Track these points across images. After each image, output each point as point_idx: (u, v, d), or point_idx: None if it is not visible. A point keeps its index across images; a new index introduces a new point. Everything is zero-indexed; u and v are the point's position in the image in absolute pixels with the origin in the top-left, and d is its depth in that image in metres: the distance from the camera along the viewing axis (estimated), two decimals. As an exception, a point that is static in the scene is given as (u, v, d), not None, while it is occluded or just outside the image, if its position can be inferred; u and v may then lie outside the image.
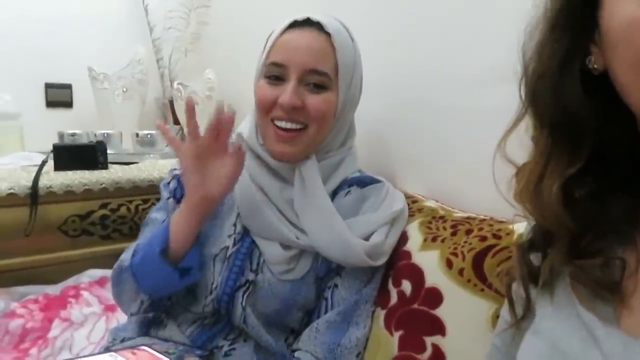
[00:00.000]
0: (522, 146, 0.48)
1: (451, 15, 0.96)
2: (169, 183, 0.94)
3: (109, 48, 1.89)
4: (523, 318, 0.49)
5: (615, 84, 0.38)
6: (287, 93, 0.81)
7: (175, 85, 1.79)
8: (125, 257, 0.86)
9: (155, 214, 0.93)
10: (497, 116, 0.86)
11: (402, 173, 1.05)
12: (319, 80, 0.82)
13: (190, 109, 0.78)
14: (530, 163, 0.45)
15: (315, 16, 0.82)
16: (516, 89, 0.50)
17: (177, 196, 0.91)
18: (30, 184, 1.13)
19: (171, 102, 1.95)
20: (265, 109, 0.84)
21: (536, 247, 0.47)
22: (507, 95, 0.85)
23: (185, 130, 0.81)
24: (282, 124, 0.83)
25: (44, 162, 1.19)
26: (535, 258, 0.48)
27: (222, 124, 0.78)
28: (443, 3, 0.98)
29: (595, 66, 0.40)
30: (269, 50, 0.84)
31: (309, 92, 0.82)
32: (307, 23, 0.82)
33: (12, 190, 1.12)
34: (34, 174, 1.17)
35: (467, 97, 0.94)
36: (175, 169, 0.94)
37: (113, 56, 1.82)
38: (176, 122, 1.91)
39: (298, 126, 0.83)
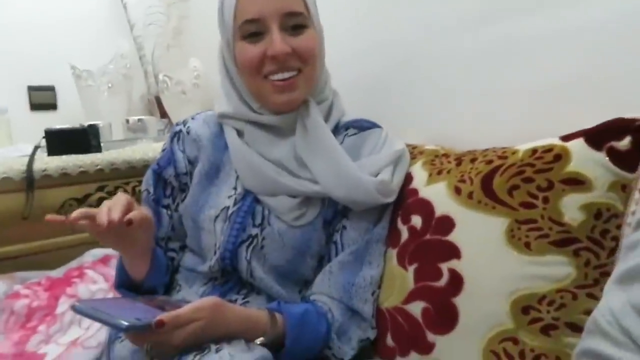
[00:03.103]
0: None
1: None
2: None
3: (91, 47, 1.87)
4: None
5: None
6: (275, 43, 0.78)
7: (161, 77, 1.79)
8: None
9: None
10: (490, 55, 0.91)
11: (400, 125, 1.06)
12: (297, 21, 0.80)
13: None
14: None
15: None
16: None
17: (154, 190, 0.92)
18: (24, 167, 1.12)
19: (157, 98, 1.95)
20: (255, 68, 0.81)
21: None
22: (496, 34, 0.89)
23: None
24: (278, 76, 0.80)
25: (36, 147, 1.18)
26: None
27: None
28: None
29: None
30: (234, 11, 0.80)
31: (291, 35, 0.80)
32: None
33: (6, 175, 1.10)
34: (27, 161, 1.15)
35: (457, 41, 0.96)
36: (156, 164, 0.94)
37: (95, 55, 1.80)
38: (163, 115, 1.91)
39: (293, 73, 0.81)
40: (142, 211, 0.76)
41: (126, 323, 0.59)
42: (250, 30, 0.79)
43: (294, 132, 0.85)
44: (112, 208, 0.72)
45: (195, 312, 0.65)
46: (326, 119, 0.88)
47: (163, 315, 0.62)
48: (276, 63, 0.80)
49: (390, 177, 0.84)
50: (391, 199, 0.85)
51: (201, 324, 0.65)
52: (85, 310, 0.63)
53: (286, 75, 0.81)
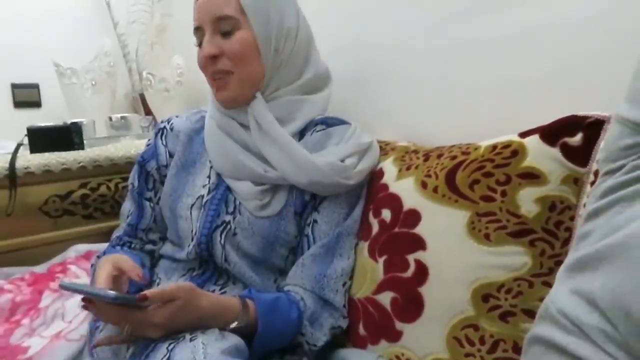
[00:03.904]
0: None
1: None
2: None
3: (74, 45, 1.88)
4: None
5: None
6: (203, 48, 0.86)
7: (145, 74, 1.80)
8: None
9: (125, 204, 1.00)
10: (459, 54, 0.94)
11: (372, 123, 1.09)
12: (226, 25, 0.85)
13: None
14: None
15: None
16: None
17: (138, 183, 0.98)
18: (7, 165, 1.14)
19: (141, 95, 1.96)
20: (204, 70, 0.90)
21: None
22: (464, 35, 0.92)
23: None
24: (214, 76, 0.88)
25: (19, 145, 1.19)
26: None
27: None
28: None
29: None
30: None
31: (223, 38, 0.86)
32: None
33: (-11, 172, 1.12)
34: (9, 158, 1.17)
35: (428, 41, 0.99)
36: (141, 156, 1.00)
37: (78, 53, 1.82)
38: (148, 112, 1.93)
39: (223, 74, 0.87)
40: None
41: (114, 293, 0.63)
42: (198, 37, 0.89)
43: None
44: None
45: (175, 290, 0.68)
46: (287, 116, 0.91)
47: (147, 291, 0.65)
48: (209, 65, 0.87)
49: (352, 166, 0.87)
50: (351, 181, 0.87)
51: (180, 303, 0.68)
52: (72, 286, 0.66)
53: (219, 76, 0.88)
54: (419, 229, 0.80)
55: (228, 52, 0.86)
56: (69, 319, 0.98)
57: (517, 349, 0.69)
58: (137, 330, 0.68)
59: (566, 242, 0.69)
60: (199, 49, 0.89)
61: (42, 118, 1.88)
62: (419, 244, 0.79)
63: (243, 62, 0.86)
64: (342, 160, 0.87)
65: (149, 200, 0.97)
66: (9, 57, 1.82)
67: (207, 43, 0.85)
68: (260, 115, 0.88)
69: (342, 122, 0.95)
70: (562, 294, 0.50)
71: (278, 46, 0.88)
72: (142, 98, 1.95)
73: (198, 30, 0.88)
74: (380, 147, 0.98)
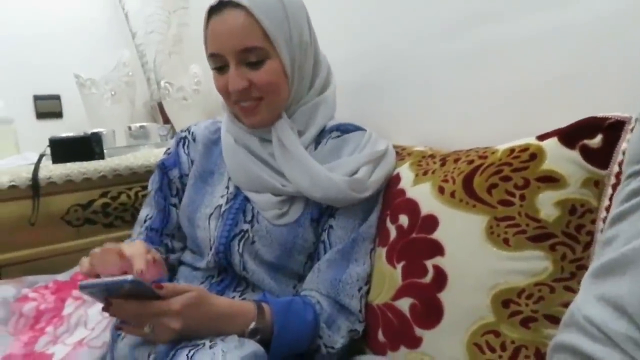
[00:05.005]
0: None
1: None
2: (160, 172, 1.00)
3: (94, 56, 1.93)
4: None
5: None
6: (231, 81, 0.83)
7: (162, 84, 1.83)
8: None
9: (143, 210, 1.01)
10: (474, 58, 0.94)
11: (389, 128, 1.10)
12: (254, 56, 0.82)
13: None
14: None
15: None
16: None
17: (161, 188, 0.99)
18: (30, 175, 1.16)
19: (160, 105, 1.99)
20: (225, 96, 0.88)
21: None
22: (479, 39, 0.92)
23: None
24: (242, 103, 0.87)
25: (41, 156, 1.22)
26: None
27: None
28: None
29: None
30: (205, 41, 0.87)
31: (251, 69, 0.84)
32: (222, 5, 0.82)
33: (13, 183, 1.14)
34: (32, 169, 1.20)
35: (443, 46, 0.99)
36: (162, 162, 1.01)
37: (98, 65, 1.86)
38: (166, 121, 1.96)
39: (253, 102, 0.86)
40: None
41: (131, 276, 0.63)
42: (216, 63, 0.86)
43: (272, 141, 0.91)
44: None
45: (187, 285, 0.71)
46: (306, 124, 0.92)
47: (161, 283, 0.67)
48: (235, 95, 0.85)
49: (367, 175, 0.87)
50: (365, 194, 0.87)
51: (194, 294, 0.69)
52: (89, 283, 0.66)
53: (247, 103, 0.87)
54: (437, 235, 0.79)
55: (258, 83, 0.84)
56: (91, 326, 0.99)
57: (539, 355, 0.67)
58: (157, 325, 0.68)
59: (588, 245, 0.68)
60: (215, 72, 0.87)
61: (63, 128, 1.91)
62: (437, 249, 0.78)
63: (273, 91, 0.86)
64: (357, 171, 0.87)
65: (174, 206, 0.98)
66: (31, 70, 1.86)
67: (234, 76, 0.83)
68: (285, 135, 0.88)
69: (356, 129, 0.95)
70: (588, 301, 0.49)
71: (301, 64, 0.88)
72: (160, 107, 1.98)
73: (216, 57, 0.85)
74: (397, 152, 0.97)
